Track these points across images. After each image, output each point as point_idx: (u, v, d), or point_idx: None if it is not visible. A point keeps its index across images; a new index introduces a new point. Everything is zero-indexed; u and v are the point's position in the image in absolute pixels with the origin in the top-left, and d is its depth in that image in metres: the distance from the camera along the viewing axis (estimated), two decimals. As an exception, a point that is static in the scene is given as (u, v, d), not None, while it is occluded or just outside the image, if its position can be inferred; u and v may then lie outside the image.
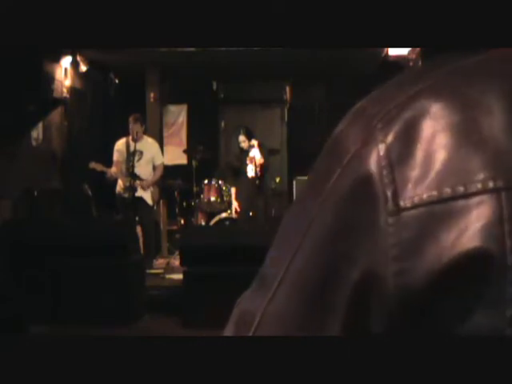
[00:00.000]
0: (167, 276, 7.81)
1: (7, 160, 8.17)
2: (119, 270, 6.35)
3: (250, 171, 8.95)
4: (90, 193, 9.77)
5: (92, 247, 6.27)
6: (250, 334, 0.55)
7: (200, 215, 9.16)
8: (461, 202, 0.46)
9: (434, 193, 0.46)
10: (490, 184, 0.46)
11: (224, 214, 8.84)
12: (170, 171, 9.74)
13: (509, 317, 0.45)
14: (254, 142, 8.96)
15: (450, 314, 0.46)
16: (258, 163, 8.88)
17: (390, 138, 0.49)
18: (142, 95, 10.79)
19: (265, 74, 10.88)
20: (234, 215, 8.93)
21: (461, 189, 0.46)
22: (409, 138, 0.48)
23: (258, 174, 8.92)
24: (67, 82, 9.99)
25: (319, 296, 0.51)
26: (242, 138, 9.05)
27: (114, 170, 8.44)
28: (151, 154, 8.51)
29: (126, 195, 8.29)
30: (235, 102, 11.71)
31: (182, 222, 9.39)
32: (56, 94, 9.67)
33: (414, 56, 9.17)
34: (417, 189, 0.47)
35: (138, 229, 8.09)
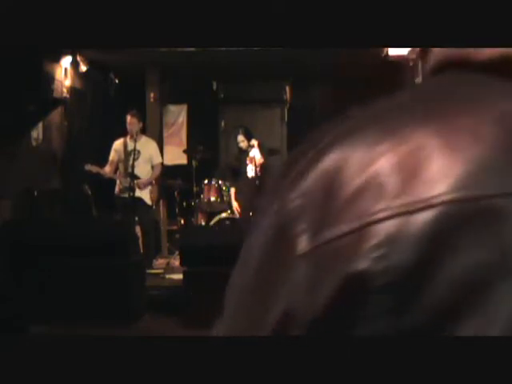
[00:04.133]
0: (167, 276, 7.82)
1: (7, 160, 8.18)
2: (119, 270, 6.36)
3: (250, 171, 8.96)
4: (89, 193, 9.77)
5: (92, 247, 6.27)
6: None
7: (200, 215, 9.17)
8: (353, 236, 0.49)
9: (336, 231, 0.50)
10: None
11: (224, 214, 8.84)
12: (170, 171, 9.75)
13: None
14: (254, 142, 8.96)
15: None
16: (257, 163, 8.88)
17: (296, 194, 0.52)
18: (142, 95, 10.80)
19: (265, 74, 10.88)
20: (234, 215, 8.93)
21: (356, 224, 0.49)
22: (315, 189, 0.52)
23: (258, 174, 8.92)
24: (67, 82, 10.00)
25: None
26: (240, 137, 9.05)
27: (107, 169, 8.44)
28: (149, 154, 8.51)
29: (126, 195, 8.29)
30: (235, 102, 11.72)
31: (182, 222, 9.40)
32: (56, 94, 9.68)
33: (413, 56, 9.18)
34: (321, 231, 0.50)
35: (138, 229, 8.10)
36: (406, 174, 0.49)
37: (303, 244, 0.51)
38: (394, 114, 0.54)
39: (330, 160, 0.52)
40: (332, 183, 0.51)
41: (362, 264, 0.48)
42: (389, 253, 0.47)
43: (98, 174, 8.48)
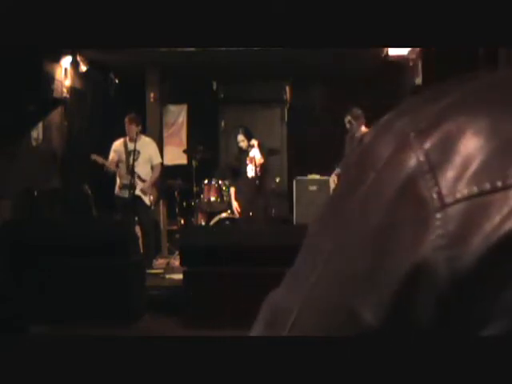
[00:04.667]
0: (167, 276, 7.81)
1: (7, 160, 8.17)
2: (119, 270, 6.36)
3: (250, 171, 8.95)
4: (89, 193, 9.77)
5: (92, 247, 6.27)
6: (287, 331, 0.57)
7: (200, 215, 9.16)
8: (500, 194, 0.51)
9: (474, 188, 0.51)
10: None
11: (224, 214, 8.84)
12: (170, 171, 9.74)
13: None
14: (254, 142, 8.96)
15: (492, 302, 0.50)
16: (257, 163, 8.88)
17: (427, 145, 0.54)
18: (142, 95, 10.79)
19: (265, 74, 10.88)
20: (234, 215, 8.93)
21: (499, 183, 0.51)
22: (445, 144, 0.53)
23: (258, 174, 8.92)
24: (67, 82, 9.99)
25: (361, 291, 0.54)
26: (240, 137, 9.04)
27: (111, 165, 8.47)
28: (149, 154, 8.51)
29: (126, 195, 8.29)
30: (235, 102, 11.71)
31: (182, 222, 9.39)
32: (56, 94, 9.67)
33: (413, 56, 9.18)
34: (458, 187, 0.52)
35: (138, 229, 8.09)
36: None
37: (439, 200, 0.52)
38: None
39: (454, 121, 0.54)
40: (458, 144, 0.53)
41: (509, 224, 0.50)
42: None
43: (101, 168, 8.49)
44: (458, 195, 0.52)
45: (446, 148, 0.53)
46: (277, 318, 0.59)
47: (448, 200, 0.52)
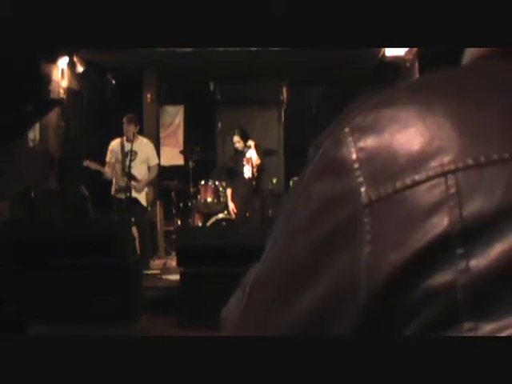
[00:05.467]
0: (164, 277, 7.81)
1: (4, 161, 8.16)
2: (116, 271, 6.35)
3: (247, 172, 8.95)
4: (86, 193, 9.76)
5: (89, 248, 6.27)
6: (245, 297, 0.62)
7: (197, 216, 9.16)
8: (422, 187, 0.52)
9: (399, 182, 0.52)
10: (438, 169, 0.52)
11: (221, 215, 8.84)
12: (166, 172, 9.74)
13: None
14: (251, 143, 8.95)
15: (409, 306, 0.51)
16: (254, 164, 8.88)
17: (356, 139, 0.55)
18: (139, 96, 10.79)
19: (262, 75, 10.88)
20: (230, 216, 8.93)
21: (416, 177, 0.52)
22: (372, 139, 0.55)
23: (255, 174, 8.91)
24: (64, 83, 9.98)
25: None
26: (236, 138, 9.04)
27: (107, 170, 8.44)
28: (146, 155, 8.50)
29: (122, 196, 8.28)
30: (232, 103, 11.70)
31: (179, 222, 9.38)
32: (53, 95, 9.67)
33: (410, 56, 9.18)
34: (384, 181, 0.53)
35: (134, 230, 8.09)
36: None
37: (367, 195, 0.53)
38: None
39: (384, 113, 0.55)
40: (386, 136, 0.54)
41: (444, 214, 0.50)
42: (463, 202, 0.51)
43: (96, 172, 8.48)
44: (382, 191, 0.53)
45: (372, 141, 0.54)
46: (243, 286, 0.65)
47: (373, 196, 0.53)
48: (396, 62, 9.58)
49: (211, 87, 11.82)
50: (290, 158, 11.61)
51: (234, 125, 9.67)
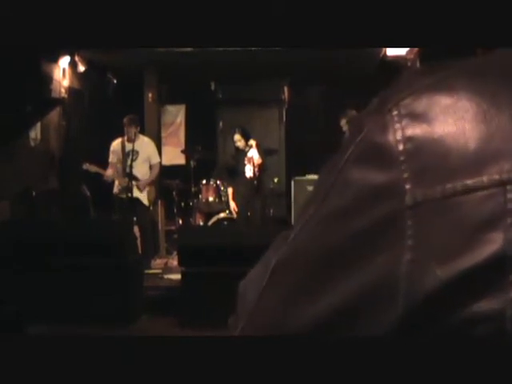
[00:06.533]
0: (165, 276, 7.81)
1: (5, 160, 8.16)
2: (117, 271, 6.35)
3: (248, 171, 8.94)
4: (87, 193, 9.76)
5: (90, 248, 6.27)
6: (267, 277, 0.57)
7: (198, 215, 9.16)
8: (472, 196, 0.46)
9: (449, 185, 0.47)
10: (496, 177, 0.46)
11: (222, 214, 8.84)
12: (168, 171, 9.74)
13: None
14: (252, 143, 8.95)
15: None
16: (255, 163, 8.87)
17: (404, 126, 0.50)
18: (141, 95, 10.78)
19: (263, 75, 10.88)
20: (232, 215, 8.93)
21: (469, 182, 0.46)
22: (423, 128, 0.49)
23: (256, 174, 8.91)
24: (65, 83, 9.98)
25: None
26: (237, 137, 9.02)
27: (109, 172, 8.39)
28: (147, 154, 8.50)
29: (123, 196, 8.28)
30: (233, 103, 11.70)
31: (181, 222, 9.39)
32: (54, 95, 9.66)
33: (411, 56, 9.18)
34: (432, 182, 0.48)
35: (136, 229, 8.09)
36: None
37: (412, 195, 0.48)
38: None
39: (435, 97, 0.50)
40: (432, 126, 0.49)
41: (499, 232, 0.45)
42: None
43: (96, 174, 8.47)
44: (429, 193, 0.47)
45: (422, 129, 0.49)
46: (266, 265, 0.60)
47: (419, 197, 0.48)
48: (397, 61, 9.58)
49: (212, 87, 11.82)
50: (290, 158, 11.61)
51: (235, 124, 9.67)
